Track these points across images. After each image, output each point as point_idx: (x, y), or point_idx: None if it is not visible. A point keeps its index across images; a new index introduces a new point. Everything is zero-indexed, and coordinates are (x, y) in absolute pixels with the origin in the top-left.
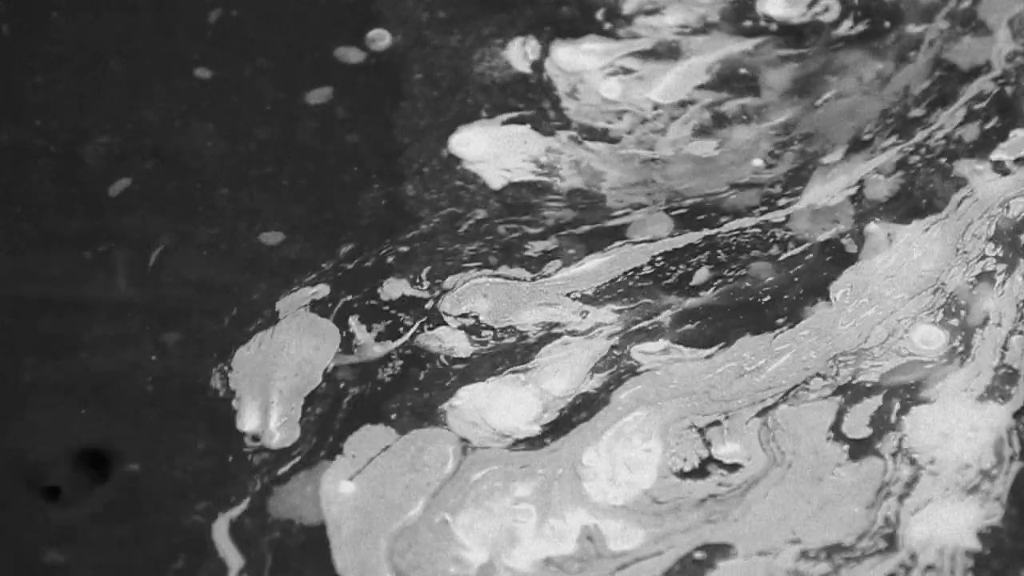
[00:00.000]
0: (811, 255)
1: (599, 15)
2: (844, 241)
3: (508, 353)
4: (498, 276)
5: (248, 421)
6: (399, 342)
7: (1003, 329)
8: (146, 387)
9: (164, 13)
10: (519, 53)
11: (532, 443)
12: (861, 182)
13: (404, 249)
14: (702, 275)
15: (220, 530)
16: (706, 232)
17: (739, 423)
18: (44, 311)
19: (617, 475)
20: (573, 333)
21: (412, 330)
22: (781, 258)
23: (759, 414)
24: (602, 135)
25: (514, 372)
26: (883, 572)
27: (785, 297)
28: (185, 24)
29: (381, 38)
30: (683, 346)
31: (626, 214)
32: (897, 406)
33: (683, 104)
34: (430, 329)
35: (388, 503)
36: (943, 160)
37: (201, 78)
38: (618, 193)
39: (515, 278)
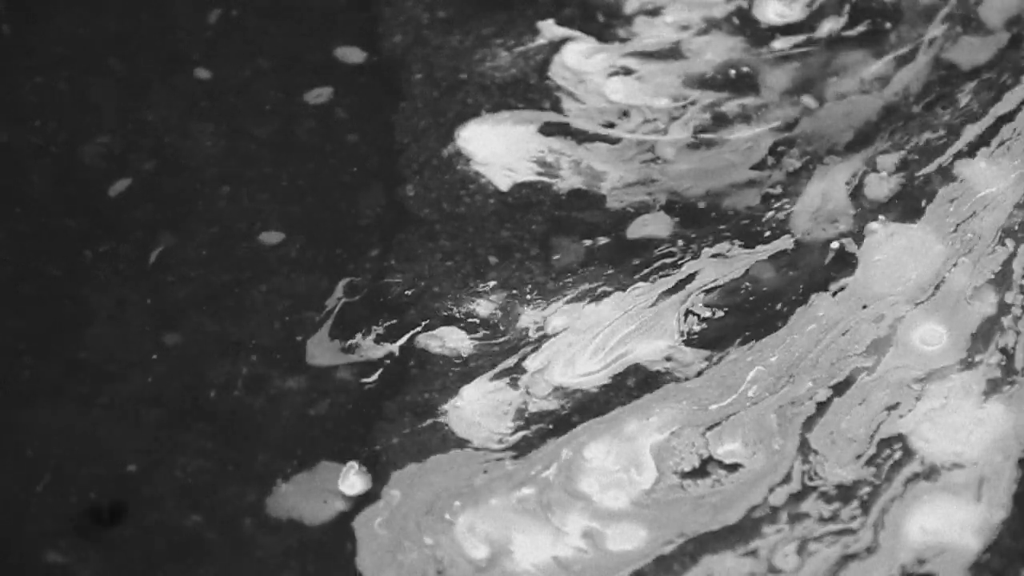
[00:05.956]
0: (811, 255)
1: (600, 15)
2: (844, 241)
3: (509, 353)
4: (498, 276)
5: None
6: (399, 342)
7: (1004, 327)
8: (146, 387)
9: (164, 13)
10: (519, 53)
11: (532, 443)
12: (861, 182)
13: (404, 249)
14: (702, 275)
15: (219, 530)
16: (706, 232)
17: (739, 423)
18: (44, 311)
19: (617, 475)
20: (573, 332)
21: (412, 330)
22: (781, 258)
23: (759, 414)
24: (603, 135)
25: (515, 372)
26: (883, 572)
27: (785, 297)
28: (185, 24)
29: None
30: (683, 346)
31: (626, 214)
32: (898, 405)
33: (683, 104)
34: (430, 329)
35: (388, 502)
36: (943, 160)
37: (201, 78)
38: (618, 193)
39: (515, 278)
